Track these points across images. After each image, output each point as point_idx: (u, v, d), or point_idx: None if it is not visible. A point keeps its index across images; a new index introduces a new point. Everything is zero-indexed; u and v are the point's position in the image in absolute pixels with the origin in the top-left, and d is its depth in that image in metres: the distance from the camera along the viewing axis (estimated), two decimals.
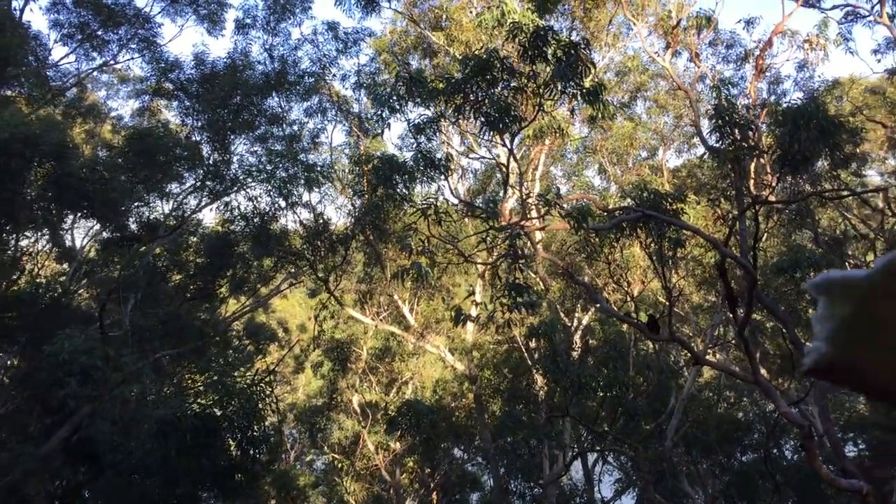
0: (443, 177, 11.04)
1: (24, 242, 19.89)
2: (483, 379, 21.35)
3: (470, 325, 20.76)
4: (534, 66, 9.43)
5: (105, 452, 14.61)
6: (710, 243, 12.36)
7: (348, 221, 20.10)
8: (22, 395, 17.24)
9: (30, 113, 17.69)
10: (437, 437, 20.46)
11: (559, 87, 9.21)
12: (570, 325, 22.71)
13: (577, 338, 22.27)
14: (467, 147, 21.79)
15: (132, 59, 20.16)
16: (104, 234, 22.24)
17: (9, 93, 18.36)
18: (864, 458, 20.70)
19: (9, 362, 18.17)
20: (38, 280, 19.04)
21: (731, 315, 12.63)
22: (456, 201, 12.32)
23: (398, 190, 11.82)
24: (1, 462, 14.66)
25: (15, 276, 18.28)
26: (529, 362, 20.10)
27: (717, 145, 12.02)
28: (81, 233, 23.71)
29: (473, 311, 12.95)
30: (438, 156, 11.77)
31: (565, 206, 10.14)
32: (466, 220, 17.94)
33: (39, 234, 20.34)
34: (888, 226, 19.58)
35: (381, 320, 21.88)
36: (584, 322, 23.04)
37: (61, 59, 20.48)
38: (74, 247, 23.83)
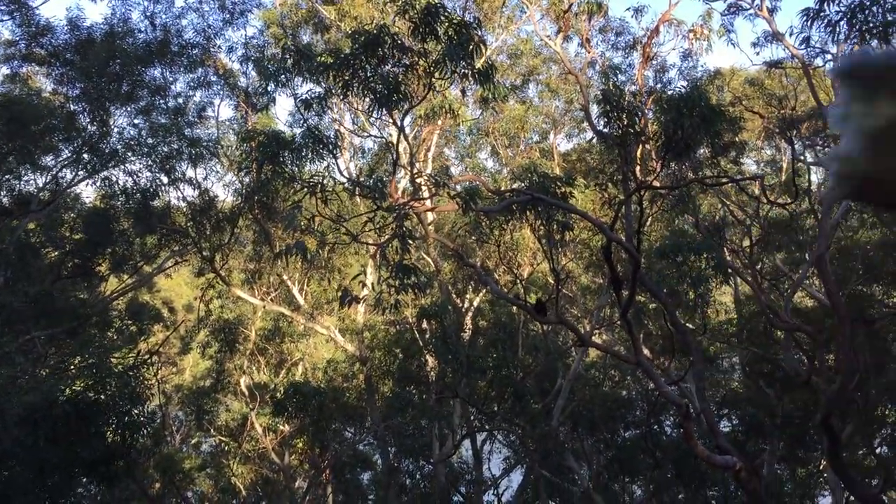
0: (332, 155, 10.77)
1: None
2: (374, 360, 21.24)
3: (360, 307, 20.56)
4: (425, 44, 9.29)
5: None
6: (596, 227, 12.58)
7: (236, 199, 19.52)
8: None
9: None
10: (326, 419, 20.22)
11: (450, 67, 9.09)
12: (461, 306, 22.84)
13: (467, 319, 22.43)
14: (359, 126, 21.46)
15: (0, 21, 18.84)
16: None
17: None
18: (738, 434, 21.74)
19: None
20: None
21: (616, 297, 12.92)
22: (344, 179, 12.06)
23: (286, 167, 11.47)
24: None
25: None
26: (420, 343, 20.11)
27: (605, 130, 12.22)
28: None
29: (362, 292, 12.78)
30: (328, 133, 11.49)
31: (456, 187, 10.08)
32: (358, 199, 17.70)
33: None
34: (763, 212, 20.50)
35: (270, 300, 21.41)
36: (475, 304, 23.22)
37: None
38: None
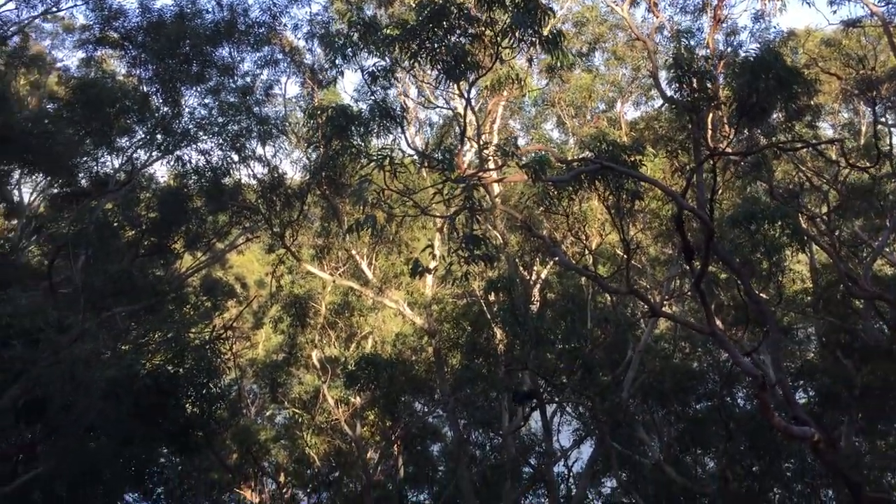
0: (399, 128, 10.80)
1: None
2: (442, 333, 21.35)
3: (429, 280, 20.68)
4: (491, 13, 9.20)
5: (57, 412, 14.32)
6: (668, 195, 12.35)
7: (304, 175, 19.75)
8: None
9: None
10: (396, 391, 20.48)
11: (517, 35, 8.99)
12: (528, 278, 22.74)
13: (535, 291, 22.34)
14: (425, 99, 21.45)
15: (75, 5, 19.37)
16: (53, 188, 21.64)
17: None
18: (814, 406, 21.24)
19: None
20: None
21: (687, 267, 12.69)
22: (412, 152, 12.08)
23: (354, 142, 11.54)
24: None
25: None
26: (488, 316, 20.13)
27: (675, 96, 11.93)
28: (30, 188, 23.06)
29: (431, 264, 12.83)
30: (395, 106, 11.49)
31: (523, 157, 10.00)
32: (424, 173, 17.72)
33: None
34: (842, 178, 19.81)
35: (339, 275, 21.68)
36: (543, 276, 23.10)
37: (0, 6, 19.60)
38: (23, 202, 23.19)
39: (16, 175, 21.47)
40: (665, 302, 21.09)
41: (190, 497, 22.04)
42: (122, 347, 17.11)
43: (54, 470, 15.31)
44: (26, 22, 20.48)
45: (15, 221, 22.90)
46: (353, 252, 21.09)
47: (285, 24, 20.21)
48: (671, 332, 24.65)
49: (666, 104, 16.46)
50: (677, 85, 10.68)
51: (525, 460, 22.94)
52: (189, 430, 14.95)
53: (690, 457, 23.12)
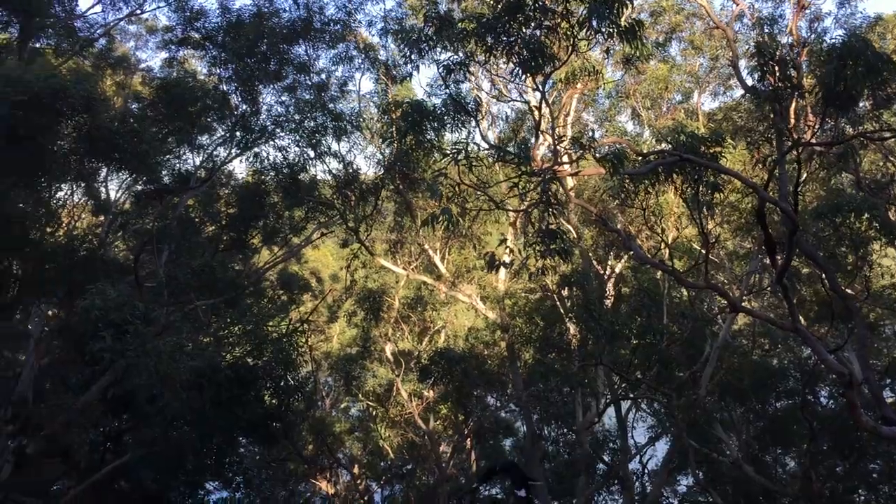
0: (473, 122, 10.81)
1: (60, 195, 19.99)
2: (515, 327, 21.30)
3: (502, 274, 20.64)
4: (567, 4, 9.11)
5: (143, 403, 14.85)
6: (750, 188, 12.02)
7: (378, 170, 19.95)
8: (62, 346, 17.52)
9: (59, 64, 17.64)
10: (469, 385, 20.53)
11: (594, 26, 8.88)
12: (602, 273, 22.49)
13: (609, 286, 22.07)
14: (498, 92, 21.39)
15: (158, 7, 19.97)
16: (137, 186, 22.35)
17: (38, 44, 18.31)
18: None
19: (50, 312, 18.42)
20: (74, 232, 19.19)
21: (768, 262, 12.34)
22: (486, 146, 12.05)
23: (427, 137, 11.60)
24: (43, 413, 14.99)
25: (52, 229, 18.41)
26: (562, 310, 19.98)
27: (757, 85, 11.61)
28: (116, 185, 23.85)
29: (506, 258, 12.78)
30: (468, 101, 11.51)
31: (599, 150, 9.88)
32: (497, 166, 17.68)
33: (75, 186, 20.44)
34: None
35: (412, 269, 21.84)
36: (617, 270, 22.80)
37: (88, 9, 20.43)
38: (109, 199, 23.99)
39: (103, 173, 22.25)
40: (744, 297, 20.56)
41: (268, 486, 22.55)
42: (203, 340, 17.60)
43: (140, 458, 15.89)
44: (112, 24, 21.26)
45: (102, 218, 23.72)
46: (426, 246, 21.21)
47: (360, 21, 20.48)
48: (750, 328, 24.03)
49: (746, 94, 16.02)
50: (759, 74, 10.37)
51: (599, 457, 22.72)
52: (268, 420, 15.33)
53: (770, 456, 22.55)
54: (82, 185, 20.90)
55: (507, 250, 10.80)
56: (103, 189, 24.21)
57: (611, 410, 20.90)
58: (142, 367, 13.04)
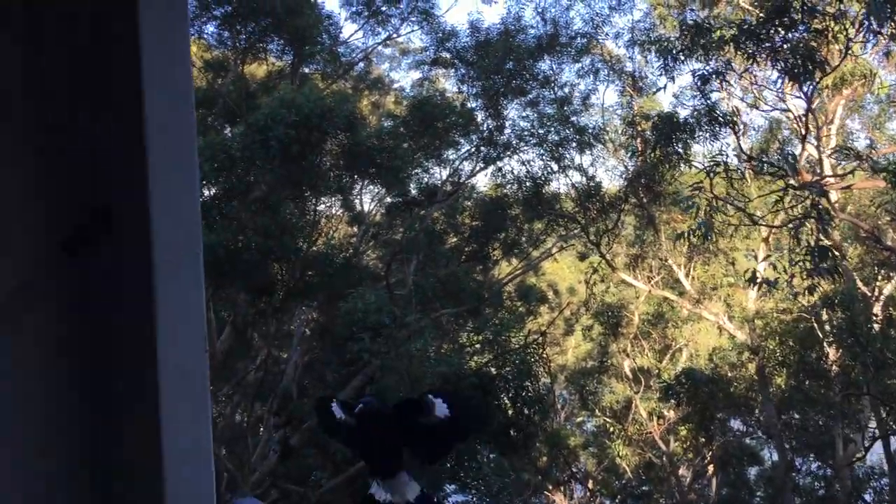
0: (730, 133, 10.35)
1: (321, 207, 21.71)
2: (766, 349, 20.02)
3: (751, 293, 19.53)
4: (841, 4, 8.45)
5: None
6: None
7: (620, 184, 19.72)
8: (320, 347, 18.95)
9: (325, 88, 19.20)
10: (714, 408, 19.59)
11: (873, 26, 8.16)
12: (869, 295, 20.51)
13: (877, 308, 20.08)
14: (752, 99, 20.30)
15: (412, 31, 21.14)
16: (388, 198, 23.72)
17: (307, 70, 20.06)
18: None
19: (310, 316, 19.99)
20: (332, 242, 20.73)
21: None
22: (737, 160, 11.47)
23: (676, 148, 11.26)
24: (304, 407, 16.28)
25: (314, 238, 20.04)
26: (820, 334, 18.50)
27: None
28: (368, 198, 25.45)
29: (764, 274, 12.01)
30: (723, 111, 11.05)
31: (875, 160, 9.06)
32: (748, 178, 16.78)
33: (333, 199, 22.09)
34: None
35: (653, 285, 21.28)
36: (886, 292, 20.69)
37: (350, 35, 22.02)
38: (363, 211, 25.66)
39: (357, 186, 23.89)
40: None
41: (505, 496, 22.88)
42: (445, 347, 18.27)
43: None
44: (371, 49, 22.81)
45: (356, 228, 25.42)
46: (670, 261, 20.57)
47: (606, 34, 20.34)
48: None
49: None
50: None
51: (861, 496, 20.72)
52: (508, 429, 15.57)
53: None
54: (339, 198, 22.51)
55: (772, 266, 10.18)
56: (357, 202, 25.96)
57: (878, 446, 19.00)
58: (394, 368, 13.84)
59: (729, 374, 22.81)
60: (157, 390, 2.28)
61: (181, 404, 2.32)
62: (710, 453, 23.27)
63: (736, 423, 24.69)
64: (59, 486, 2.47)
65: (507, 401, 15.56)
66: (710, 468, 23.96)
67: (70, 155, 2.52)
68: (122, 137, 2.40)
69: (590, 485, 26.01)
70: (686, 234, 8.57)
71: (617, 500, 26.92)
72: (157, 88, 2.28)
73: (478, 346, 17.35)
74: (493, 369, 15.34)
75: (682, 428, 22.77)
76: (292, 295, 18.40)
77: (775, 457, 23.56)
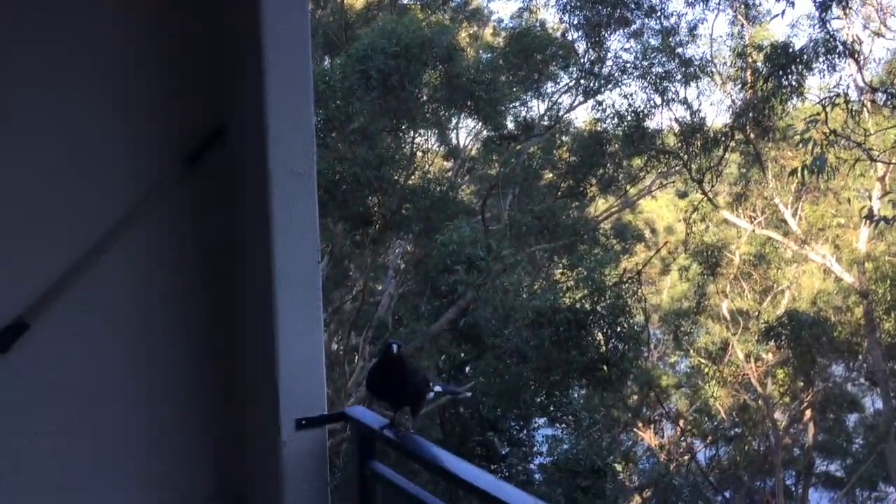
0: (846, 63, 9.75)
1: (418, 140, 21.74)
2: (875, 294, 19.17)
3: (862, 234, 18.63)
4: None
5: (486, 336, 15.82)
6: None
7: (726, 118, 18.94)
8: (415, 279, 19.22)
9: (423, 19, 19.02)
10: (816, 352, 19.00)
11: None
12: None
13: None
14: (877, 27, 18.97)
15: None
16: (484, 132, 23.56)
17: (405, 1, 19.90)
18: None
19: (406, 248, 20.26)
20: (428, 175, 20.79)
21: None
22: (855, 93, 10.81)
23: (790, 81, 10.70)
24: (399, 336, 16.63)
25: (411, 171, 20.14)
26: None
27: None
28: (465, 132, 25.34)
29: (880, 213, 11.38)
30: (842, 40, 10.40)
31: None
32: (866, 114, 15.83)
33: (430, 133, 22.07)
34: None
35: (757, 224, 20.55)
36: None
37: None
38: (458, 145, 25.61)
39: (454, 120, 23.78)
40: None
41: (595, 431, 22.98)
42: (540, 282, 18.22)
43: (480, 387, 17.04)
44: None
45: (451, 163, 25.41)
46: (777, 200, 19.78)
47: None
48: None
49: None
50: None
51: None
52: (602, 364, 15.54)
53: None
54: (436, 131, 22.48)
55: (888, 204, 9.64)
56: (453, 136, 25.88)
57: None
58: (488, 301, 13.94)
59: (833, 319, 22.05)
60: (274, 300, 2.36)
61: (296, 314, 2.40)
62: (809, 398, 22.73)
63: (837, 369, 23.97)
64: (183, 372, 2.62)
65: (600, 336, 15.52)
66: (808, 413, 23.42)
67: (192, 77, 2.60)
68: (242, 61, 2.46)
69: (680, 424, 25.81)
70: (799, 171, 8.16)
71: (708, 441, 26.69)
72: (274, 15, 2.32)
73: (571, 282, 17.22)
74: (587, 305, 15.24)
75: (780, 371, 22.26)
76: (389, 227, 18.67)
77: (878, 405, 22.84)
